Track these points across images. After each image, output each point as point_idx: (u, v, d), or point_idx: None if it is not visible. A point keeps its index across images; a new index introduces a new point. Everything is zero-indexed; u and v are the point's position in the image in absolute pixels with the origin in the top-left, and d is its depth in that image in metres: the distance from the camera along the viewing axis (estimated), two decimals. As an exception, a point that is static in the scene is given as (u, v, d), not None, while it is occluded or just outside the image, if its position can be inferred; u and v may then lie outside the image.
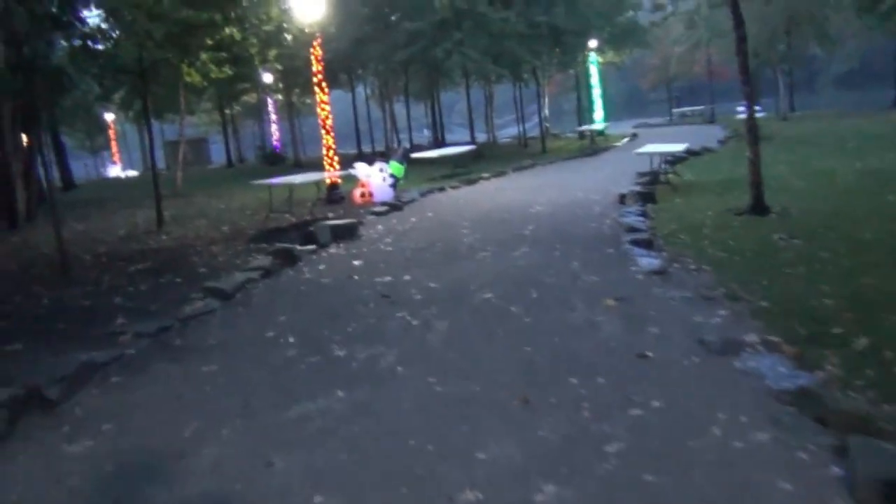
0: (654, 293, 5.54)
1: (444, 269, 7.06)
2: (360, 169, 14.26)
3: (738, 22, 8.84)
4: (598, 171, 16.27)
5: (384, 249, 8.48)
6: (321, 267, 7.73)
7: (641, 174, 13.75)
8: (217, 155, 46.17)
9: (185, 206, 15.19)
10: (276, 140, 35.32)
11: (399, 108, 39.53)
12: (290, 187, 11.50)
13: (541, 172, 17.88)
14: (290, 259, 7.93)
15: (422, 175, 17.78)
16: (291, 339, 5.15)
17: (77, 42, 10.53)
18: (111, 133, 44.28)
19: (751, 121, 8.85)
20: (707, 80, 38.00)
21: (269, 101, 35.06)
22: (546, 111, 30.69)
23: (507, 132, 39.21)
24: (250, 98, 34.64)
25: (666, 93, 51.27)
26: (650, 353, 4.24)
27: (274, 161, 28.88)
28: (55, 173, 30.38)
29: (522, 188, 14.06)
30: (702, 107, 39.16)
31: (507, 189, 14.20)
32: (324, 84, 13.76)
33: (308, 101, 39.84)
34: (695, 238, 7.48)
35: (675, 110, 39.70)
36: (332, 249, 8.76)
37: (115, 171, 43.45)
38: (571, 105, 61.70)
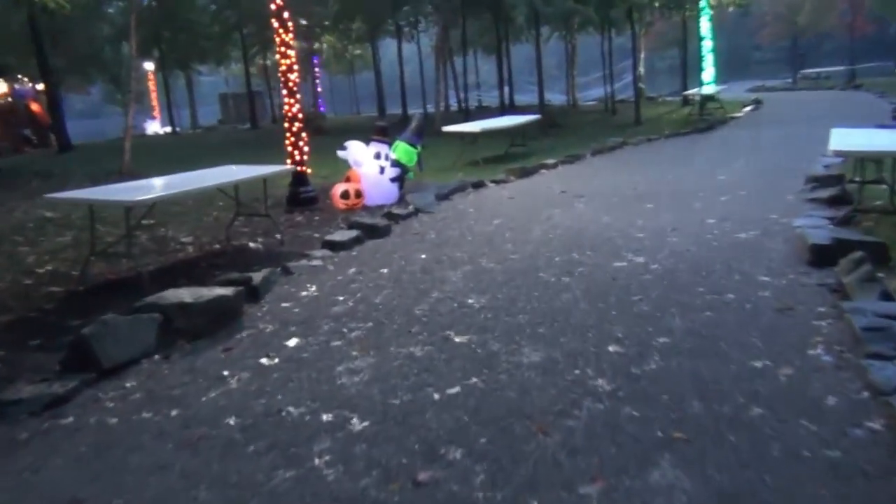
0: None
1: None
2: (353, 151, 9.04)
3: None
4: (726, 164, 10.46)
5: (234, 401, 3.23)
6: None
7: (813, 181, 7.97)
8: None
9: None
10: (319, 96, 30.23)
11: (469, 65, 33.82)
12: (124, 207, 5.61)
13: (634, 159, 12.14)
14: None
15: (464, 155, 12.37)
16: None
17: None
18: (150, 85, 40.35)
19: None
20: (848, 35, 30.52)
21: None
22: (641, 69, 24.48)
23: (592, 94, 32.98)
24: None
25: (776, 51, 43.66)
26: None
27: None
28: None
29: (604, 195, 8.48)
30: (838, 67, 31.72)
31: (579, 194, 8.65)
32: (285, 16, 8.44)
33: (360, 52, 34.63)
34: None
35: (803, 71, 32.35)
36: (108, 395, 3.54)
37: (153, 126, 39.39)
38: (665, 63, 54.41)
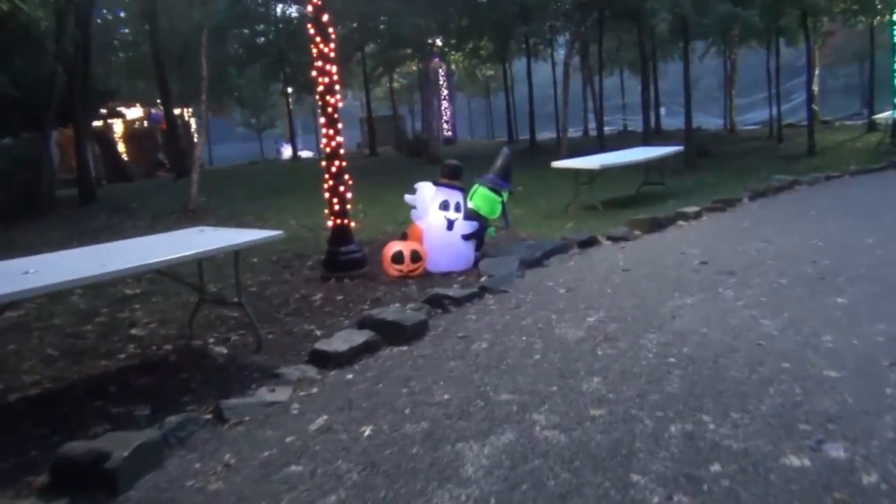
0: None
1: None
2: (423, 195, 6.86)
3: None
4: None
5: None
6: None
7: None
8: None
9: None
10: (447, 120, 28.42)
11: (614, 84, 30.96)
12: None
13: (809, 207, 9.06)
14: None
15: (581, 196, 9.87)
16: None
17: None
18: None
19: None
20: None
21: (441, 70, 28.09)
22: (815, 87, 20.71)
23: (754, 117, 29.05)
24: (414, 67, 27.82)
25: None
26: None
27: (418, 151, 21.86)
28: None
29: (766, 272, 5.69)
30: None
31: (726, 269, 5.90)
32: (326, 23, 6.35)
33: (491, 72, 32.55)
34: None
35: None
36: None
37: (288, 151, 39.37)
38: (840, 82, 48.04)
